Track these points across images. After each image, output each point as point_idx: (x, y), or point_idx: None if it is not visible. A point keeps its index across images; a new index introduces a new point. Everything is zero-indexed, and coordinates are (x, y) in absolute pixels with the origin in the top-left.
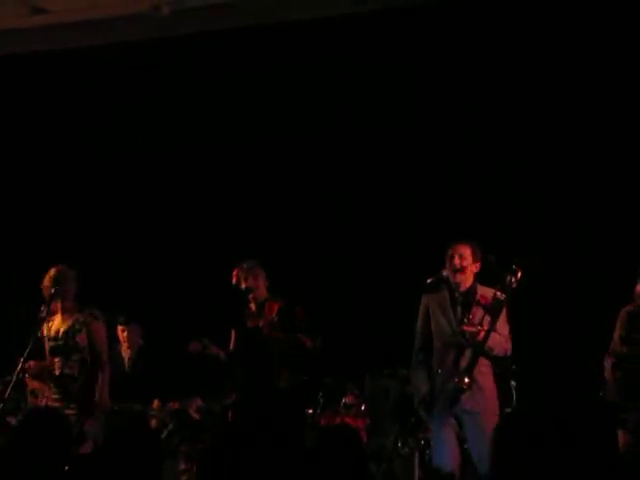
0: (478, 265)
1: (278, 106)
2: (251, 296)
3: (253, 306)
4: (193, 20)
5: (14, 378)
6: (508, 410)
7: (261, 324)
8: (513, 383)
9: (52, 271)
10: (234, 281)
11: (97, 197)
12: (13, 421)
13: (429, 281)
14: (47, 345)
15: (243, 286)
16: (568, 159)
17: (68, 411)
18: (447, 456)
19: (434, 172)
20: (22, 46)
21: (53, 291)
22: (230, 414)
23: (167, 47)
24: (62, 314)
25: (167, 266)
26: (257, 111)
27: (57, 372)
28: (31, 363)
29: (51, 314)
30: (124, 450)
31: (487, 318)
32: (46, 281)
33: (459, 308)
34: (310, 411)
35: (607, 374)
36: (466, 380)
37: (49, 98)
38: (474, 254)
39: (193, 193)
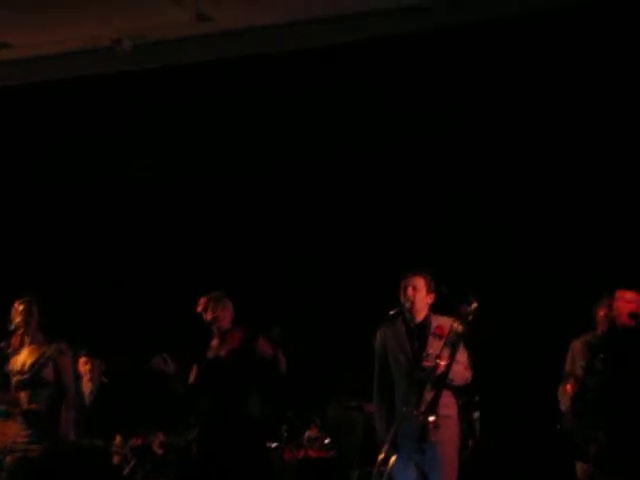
0: (432, 296)
1: (240, 138)
2: (215, 327)
3: (216, 338)
4: (155, 54)
5: None
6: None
7: (223, 353)
8: (476, 414)
9: (18, 305)
10: (199, 309)
11: (55, 227)
12: None
13: (392, 313)
14: (13, 379)
15: (208, 317)
16: (530, 189)
17: (32, 447)
18: None
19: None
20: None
21: (17, 324)
22: (194, 448)
23: (130, 80)
24: (29, 346)
25: (128, 297)
26: (217, 143)
27: (24, 407)
28: None
29: (16, 347)
30: None
31: (445, 350)
32: (14, 315)
33: (416, 341)
34: (274, 445)
35: (563, 406)
36: (431, 419)
37: (10, 130)
38: (428, 285)
39: (156, 222)
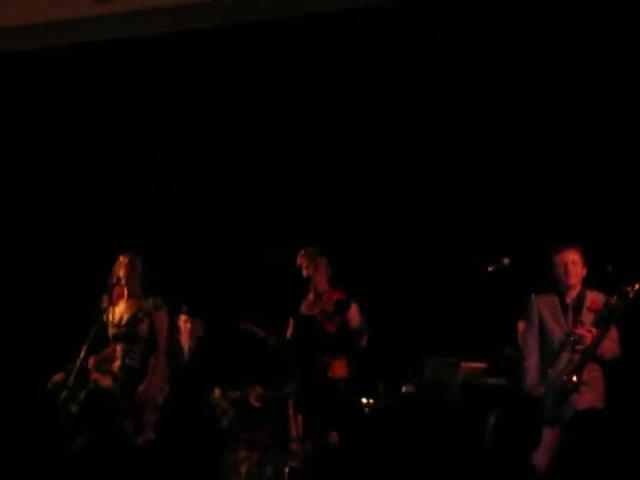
0: (585, 268)
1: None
2: (311, 284)
3: (312, 295)
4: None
5: (77, 366)
6: None
7: (315, 312)
8: None
9: (122, 258)
10: (298, 263)
11: (164, 182)
12: (76, 410)
13: (490, 269)
14: (110, 331)
15: (304, 273)
16: None
17: (125, 401)
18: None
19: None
20: (88, 35)
21: (119, 277)
22: (291, 403)
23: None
24: (127, 300)
25: (229, 255)
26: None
27: (119, 361)
28: (92, 359)
29: (115, 299)
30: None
31: (597, 323)
32: (117, 269)
33: (570, 313)
34: (370, 401)
35: None
36: (574, 378)
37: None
38: (582, 258)
39: (257, 180)
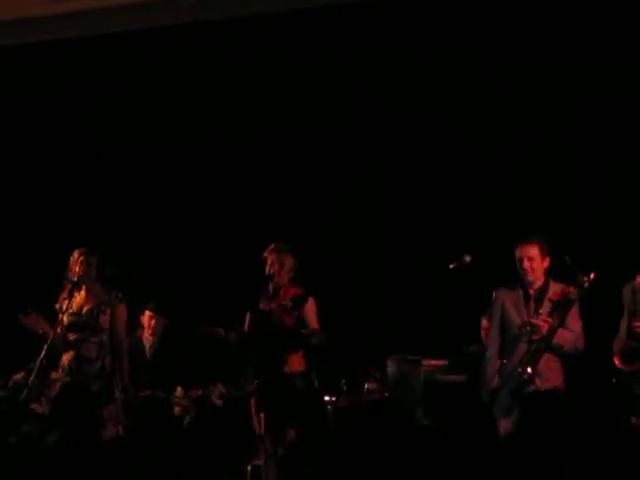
0: (548, 260)
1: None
2: (272, 281)
3: (270, 289)
4: (215, 7)
5: (37, 365)
6: None
7: (273, 307)
8: None
9: (77, 255)
10: (264, 257)
11: (112, 184)
12: (37, 408)
13: (452, 267)
14: (65, 319)
15: (268, 269)
16: None
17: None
18: None
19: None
20: (44, 34)
21: (78, 276)
22: (253, 400)
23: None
24: (86, 294)
25: (187, 252)
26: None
27: (72, 352)
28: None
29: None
30: (147, 437)
31: (554, 313)
32: (72, 264)
33: (532, 304)
34: (333, 398)
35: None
36: (528, 370)
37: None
38: (542, 252)
39: (222, 173)
